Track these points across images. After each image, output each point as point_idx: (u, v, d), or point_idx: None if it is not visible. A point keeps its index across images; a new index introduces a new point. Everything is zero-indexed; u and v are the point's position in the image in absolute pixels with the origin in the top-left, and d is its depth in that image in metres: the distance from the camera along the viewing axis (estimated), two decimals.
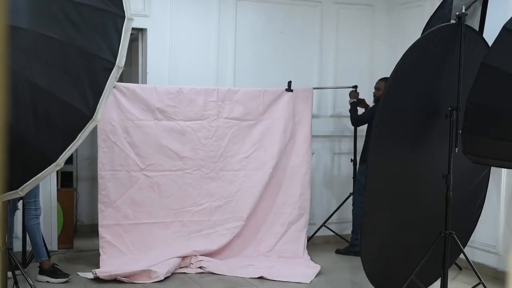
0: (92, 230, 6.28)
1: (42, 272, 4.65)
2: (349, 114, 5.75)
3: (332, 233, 6.11)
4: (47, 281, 4.60)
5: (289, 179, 5.59)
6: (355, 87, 5.83)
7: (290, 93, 5.58)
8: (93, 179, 6.38)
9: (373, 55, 6.37)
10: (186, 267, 5.06)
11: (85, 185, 6.42)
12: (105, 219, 5.06)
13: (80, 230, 6.27)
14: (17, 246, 4.80)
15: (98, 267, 4.83)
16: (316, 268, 5.11)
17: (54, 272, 4.66)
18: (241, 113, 5.47)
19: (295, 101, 5.60)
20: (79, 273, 4.82)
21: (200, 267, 5.03)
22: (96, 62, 3.42)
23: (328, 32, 6.22)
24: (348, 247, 5.79)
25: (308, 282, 4.82)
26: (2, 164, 1.71)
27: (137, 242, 5.12)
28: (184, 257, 5.10)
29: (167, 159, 5.24)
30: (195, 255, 5.14)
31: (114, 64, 3.40)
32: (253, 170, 5.48)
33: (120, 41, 3.40)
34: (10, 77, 2.00)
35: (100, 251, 5.00)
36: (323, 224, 6.05)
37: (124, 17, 3.42)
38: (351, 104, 5.73)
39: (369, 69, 6.25)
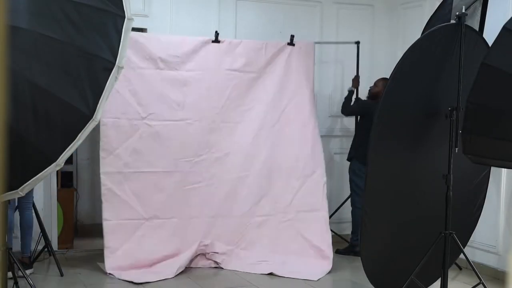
0: (92, 230, 6.27)
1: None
2: (344, 101, 5.72)
3: (332, 233, 6.09)
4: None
5: (298, 133, 5.51)
6: (358, 42, 5.83)
7: (292, 47, 5.55)
8: (93, 179, 6.37)
9: (373, 55, 6.37)
10: (201, 254, 5.11)
11: (85, 185, 6.41)
12: (106, 167, 5.01)
13: (80, 230, 6.26)
14: (17, 246, 4.80)
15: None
16: (329, 266, 5.09)
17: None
18: (243, 64, 5.42)
19: (297, 55, 5.57)
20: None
21: (215, 261, 5.08)
22: (96, 62, 3.43)
23: (328, 32, 6.22)
24: (348, 247, 5.78)
25: (316, 279, 4.82)
26: (2, 164, 1.71)
27: (138, 191, 5.08)
28: (196, 255, 5.11)
29: (168, 109, 5.19)
30: (207, 246, 5.14)
31: (114, 64, 3.41)
32: (252, 121, 5.41)
33: (120, 41, 3.41)
34: (10, 77, 2.00)
35: (102, 198, 4.97)
36: None
37: (124, 17, 3.43)
38: (349, 91, 5.72)
39: (369, 69, 6.24)
